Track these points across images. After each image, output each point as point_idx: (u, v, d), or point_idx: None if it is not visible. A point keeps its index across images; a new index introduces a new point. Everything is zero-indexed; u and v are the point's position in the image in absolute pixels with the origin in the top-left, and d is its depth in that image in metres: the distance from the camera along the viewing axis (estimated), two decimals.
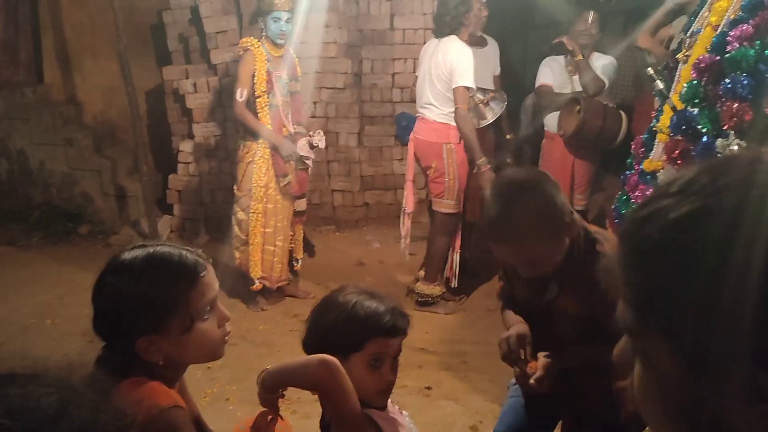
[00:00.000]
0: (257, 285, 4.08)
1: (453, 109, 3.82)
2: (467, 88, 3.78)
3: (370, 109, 5.58)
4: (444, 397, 3.36)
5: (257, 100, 3.90)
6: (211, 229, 5.44)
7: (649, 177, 3.09)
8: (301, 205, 4.22)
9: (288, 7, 3.84)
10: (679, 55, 3.16)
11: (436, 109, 3.85)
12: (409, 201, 4.11)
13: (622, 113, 4.08)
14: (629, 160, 3.42)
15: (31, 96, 5.91)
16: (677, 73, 3.17)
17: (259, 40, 3.93)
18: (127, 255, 1.35)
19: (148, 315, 1.30)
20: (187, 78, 5.45)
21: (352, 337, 1.44)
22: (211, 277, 1.39)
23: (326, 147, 5.51)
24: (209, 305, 1.38)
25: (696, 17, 3.17)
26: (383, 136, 5.59)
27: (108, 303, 1.33)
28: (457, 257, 4.10)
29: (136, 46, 5.36)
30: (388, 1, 5.46)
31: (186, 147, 5.47)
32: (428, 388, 3.42)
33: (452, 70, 3.75)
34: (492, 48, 4.56)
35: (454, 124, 3.83)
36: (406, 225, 4.15)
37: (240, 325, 3.93)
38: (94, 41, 5.96)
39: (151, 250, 1.36)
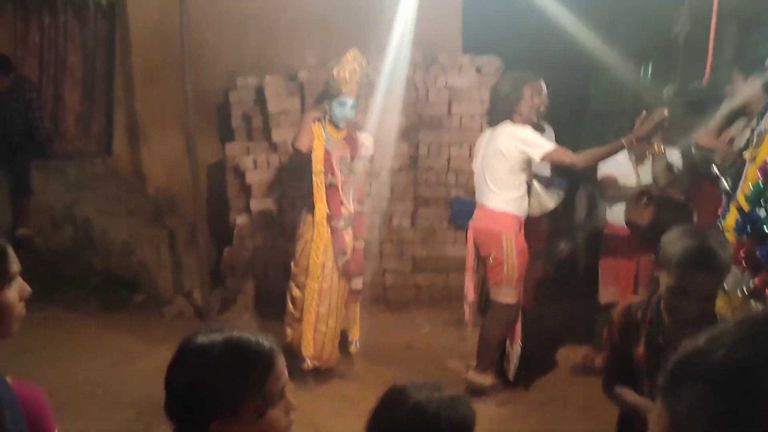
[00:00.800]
0: (309, 364, 4.06)
1: (514, 196, 3.82)
2: (554, 149, 3.72)
3: (424, 192, 5.64)
4: None
5: (314, 178, 3.99)
6: (262, 303, 5.48)
7: None
8: (358, 283, 4.22)
9: (355, 93, 3.96)
10: (746, 154, 3.14)
11: (495, 197, 3.85)
12: (470, 290, 4.07)
13: (694, 209, 4.01)
14: None
15: (100, 166, 6.17)
16: (744, 171, 3.14)
17: (320, 122, 4.05)
18: (205, 339, 1.36)
19: (226, 399, 1.31)
20: (248, 154, 5.63)
21: None
22: (282, 363, 1.40)
23: (379, 228, 5.59)
24: (281, 392, 1.39)
25: (763, 116, 3.16)
26: (437, 219, 5.62)
27: (186, 386, 1.34)
28: (517, 349, 4.01)
29: (201, 122, 5.58)
30: (446, 88, 5.59)
31: (243, 221, 5.60)
32: None
33: (523, 151, 3.73)
34: (549, 133, 4.59)
35: (513, 212, 3.83)
36: (468, 313, 4.11)
37: None
38: (163, 116, 6.24)
39: (229, 334, 1.38)
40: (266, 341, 1.40)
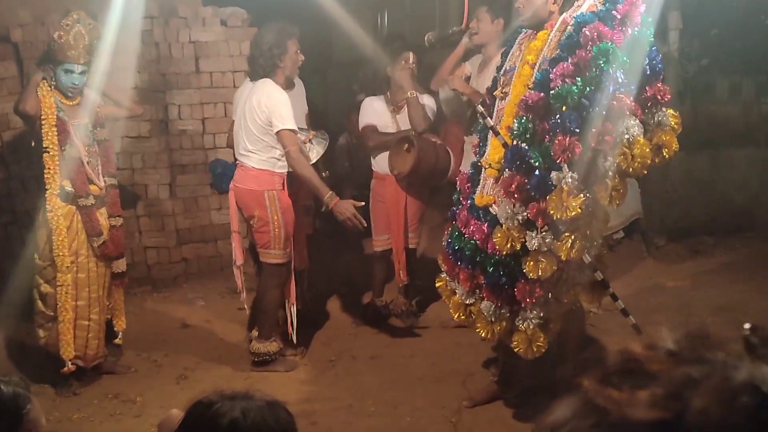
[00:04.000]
0: (70, 367, 3.54)
1: (273, 155, 3.67)
2: (292, 131, 3.64)
3: (180, 158, 5.21)
4: None
5: (45, 155, 3.43)
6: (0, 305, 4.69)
7: (480, 211, 3.16)
8: (121, 266, 3.76)
9: (83, 59, 3.46)
10: (496, 92, 3.29)
11: (255, 156, 3.67)
12: (237, 253, 3.87)
13: (449, 150, 4.17)
14: (456, 196, 3.48)
15: None
16: (496, 109, 3.30)
17: (49, 88, 3.49)
18: None
19: None
20: None
21: None
22: (36, 411, 1.09)
23: (135, 201, 5.07)
24: None
25: (507, 57, 3.33)
26: (197, 185, 5.25)
27: None
28: (293, 309, 3.90)
29: None
30: (191, 43, 5.17)
31: None
32: None
33: (270, 115, 3.61)
34: (299, 87, 4.46)
35: (277, 171, 3.70)
36: (239, 279, 3.91)
37: (49, 416, 3.36)
38: None
39: None
40: (7, 387, 1.05)
